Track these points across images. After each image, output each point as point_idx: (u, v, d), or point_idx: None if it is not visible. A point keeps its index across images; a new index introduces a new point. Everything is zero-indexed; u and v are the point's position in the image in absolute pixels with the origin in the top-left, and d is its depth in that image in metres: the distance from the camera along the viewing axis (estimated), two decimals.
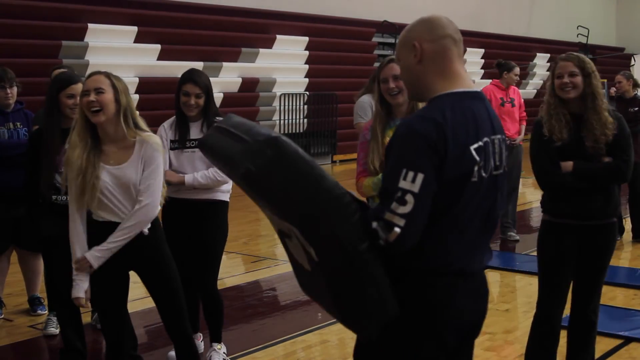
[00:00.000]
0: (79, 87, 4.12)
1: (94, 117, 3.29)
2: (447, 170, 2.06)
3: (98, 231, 3.39)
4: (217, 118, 4.32)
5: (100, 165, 3.32)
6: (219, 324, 4.40)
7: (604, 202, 3.68)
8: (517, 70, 8.12)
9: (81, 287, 3.37)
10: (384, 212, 2.04)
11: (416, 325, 2.16)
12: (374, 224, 2.05)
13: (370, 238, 2.05)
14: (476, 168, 2.10)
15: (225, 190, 4.33)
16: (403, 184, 2.02)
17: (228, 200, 4.38)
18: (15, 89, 5.06)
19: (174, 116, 4.34)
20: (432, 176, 2.04)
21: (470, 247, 2.20)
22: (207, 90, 4.31)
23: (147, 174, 3.38)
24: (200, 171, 4.19)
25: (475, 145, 2.10)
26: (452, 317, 2.17)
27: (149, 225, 3.44)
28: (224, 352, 4.39)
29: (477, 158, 2.09)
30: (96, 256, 3.36)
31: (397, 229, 2.03)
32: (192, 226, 4.27)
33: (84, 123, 3.32)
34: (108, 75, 3.37)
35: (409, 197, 2.02)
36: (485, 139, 2.14)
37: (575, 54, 3.69)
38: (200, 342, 4.50)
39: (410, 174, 2.02)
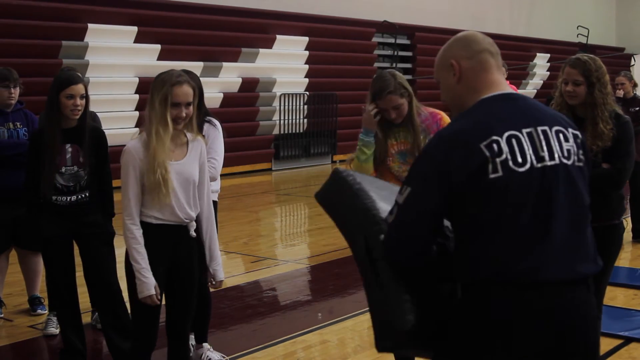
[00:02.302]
0: (79, 87, 4.12)
1: (177, 126, 3.40)
2: (455, 175, 2.03)
3: (155, 235, 3.41)
4: (208, 117, 4.33)
5: (167, 162, 3.37)
6: (207, 323, 4.41)
7: (601, 205, 3.66)
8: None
9: (150, 284, 3.36)
10: (384, 222, 2.19)
11: (468, 342, 2.07)
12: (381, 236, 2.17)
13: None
14: (490, 164, 2.02)
15: (214, 190, 4.34)
16: (397, 197, 2.13)
17: (217, 200, 4.39)
18: (18, 90, 5.09)
19: None
20: (427, 189, 2.07)
21: (526, 252, 2.02)
22: (199, 90, 4.31)
23: (202, 176, 3.52)
24: None
25: (487, 141, 2.03)
26: (505, 336, 2.02)
27: (195, 226, 3.52)
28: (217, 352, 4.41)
29: (488, 153, 2.02)
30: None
31: (381, 236, 2.14)
32: None
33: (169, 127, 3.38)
34: (193, 86, 3.45)
35: (395, 208, 2.12)
36: (511, 132, 2.06)
37: (584, 58, 3.64)
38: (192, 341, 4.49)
39: (404, 187, 2.12)
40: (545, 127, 2.12)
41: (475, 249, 2.05)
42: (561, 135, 2.14)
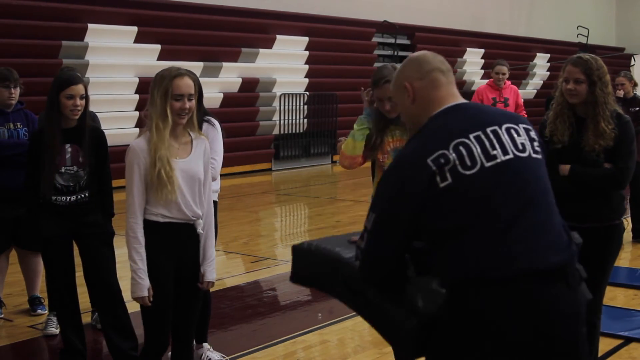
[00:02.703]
0: (79, 88, 4.12)
1: (181, 120, 3.39)
2: (412, 194, 2.15)
3: (163, 233, 3.40)
4: (207, 117, 4.34)
5: (171, 160, 3.36)
6: (207, 323, 4.41)
7: (602, 205, 3.66)
8: (498, 68, 8.15)
9: (145, 286, 3.35)
10: (356, 248, 2.37)
11: (453, 339, 2.14)
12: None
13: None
14: (438, 175, 2.12)
15: (214, 190, 4.33)
16: (365, 222, 2.29)
17: (217, 200, 4.39)
18: (18, 90, 5.09)
19: None
20: (390, 212, 2.21)
21: (496, 248, 2.08)
22: (198, 89, 4.31)
23: (206, 175, 3.52)
24: None
25: (434, 155, 2.13)
26: (486, 332, 2.08)
27: (202, 225, 3.52)
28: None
29: (434, 167, 2.12)
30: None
31: (358, 262, 2.33)
32: None
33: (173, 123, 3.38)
34: (194, 78, 3.44)
35: (365, 234, 2.28)
36: (458, 140, 2.15)
37: (585, 57, 3.64)
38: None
39: (370, 214, 2.28)
40: (495, 127, 2.21)
41: (447, 253, 2.14)
42: (512, 131, 2.22)
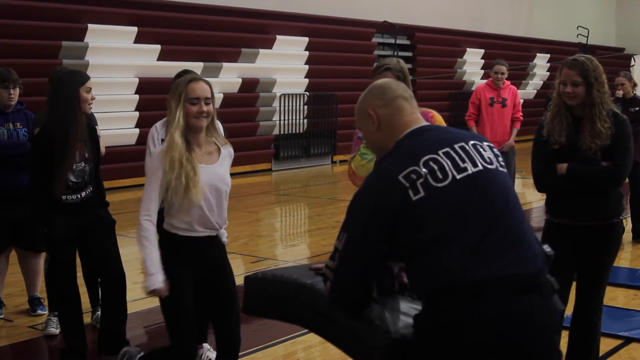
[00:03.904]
0: (90, 82, 4.24)
1: (200, 123, 3.36)
2: (385, 211, 2.17)
3: (184, 248, 3.39)
4: None
5: (194, 163, 3.33)
6: (206, 324, 4.41)
7: (601, 203, 3.68)
8: (497, 67, 8.15)
9: (158, 279, 3.31)
10: (325, 268, 2.35)
11: (429, 353, 2.14)
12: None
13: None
14: (411, 190, 2.14)
15: None
16: (336, 243, 2.29)
17: None
18: (18, 90, 5.09)
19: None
20: (362, 232, 2.21)
21: (471, 257, 2.09)
22: None
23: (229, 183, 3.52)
24: None
25: (405, 172, 2.17)
26: (460, 342, 2.07)
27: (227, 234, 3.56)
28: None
29: (406, 183, 2.15)
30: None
31: (328, 283, 2.32)
32: None
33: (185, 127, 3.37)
34: (209, 83, 3.44)
35: (336, 255, 2.27)
36: (428, 156, 2.20)
37: (581, 59, 3.66)
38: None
39: (341, 234, 2.28)
40: (462, 143, 2.26)
41: (422, 265, 2.14)
42: (479, 147, 2.28)
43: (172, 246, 3.38)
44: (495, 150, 2.35)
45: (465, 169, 2.20)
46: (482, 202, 2.17)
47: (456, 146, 2.25)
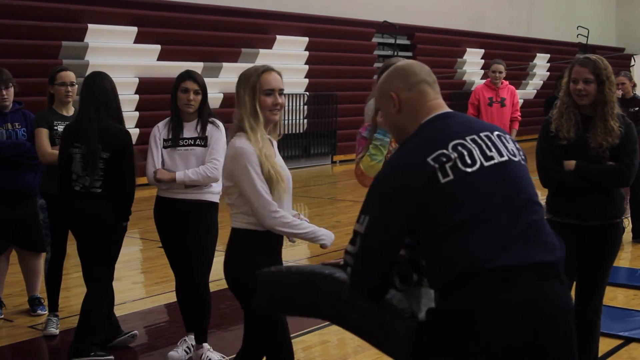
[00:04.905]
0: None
1: (274, 116, 3.20)
2: (412, 193, 2.14)
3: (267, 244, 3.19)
4: (211, 119, 4.35)
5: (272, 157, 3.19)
6: (207, 324, 4.42)
7: (606, 203, 3.69)
8: (495, 66, 8.16)
9: (327, 232, 3.23)
10: (345, 254, 2.27)
11: (453, 339, 2.11)
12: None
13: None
14: (439, 171, 2.13)
15: (216, 191, 4.35)
16: (356, 226, 2.22)
17: (218, 201, 4.40)
18: (11, 90, 5.04)
19: (169, 117, 4.38)
20: (386, 214, 2.17)
21: (499, 243, 2.10)
22: (204, 90, 4.33)
23: None
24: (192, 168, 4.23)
25: (434, 155, 2.15)
26: (488, 327, 2.06)
27: None
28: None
29: (434, 164, 2.14)
30: None
31: (349, 268, 2.25)
32: (182, 226, 4.29)
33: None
34: (280, 73, 3.26)
35: (358, 238, 2.21)
36: (456, 141, 2.19)
37: (593, 57, 3.70)
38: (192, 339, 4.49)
39: (362, 217, 2.21)
40: (487, 133, 2.26)
41: (446, 249, 2.12)
42: (503, 139, 2.28)
43: (257, 246, 3.16)
44: (517, 144, 2.34)
45: (492, 158, 2.20)
46: (509, 191, 2.18)
47: (482, 134, 2.24)
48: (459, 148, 2.18)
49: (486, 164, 2.18)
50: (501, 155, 2.22)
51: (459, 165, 2.15)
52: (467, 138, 2.21)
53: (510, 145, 2.28)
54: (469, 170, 2.15)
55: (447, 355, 2.12)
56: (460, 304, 2.09)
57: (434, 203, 2.13)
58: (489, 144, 2.23)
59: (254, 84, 3.15)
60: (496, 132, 2.28)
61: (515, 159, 2.26)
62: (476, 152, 2.18)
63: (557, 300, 2.14)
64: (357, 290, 2.27)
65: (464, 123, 2.30)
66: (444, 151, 2.16)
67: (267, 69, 3.20)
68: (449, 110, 2.34)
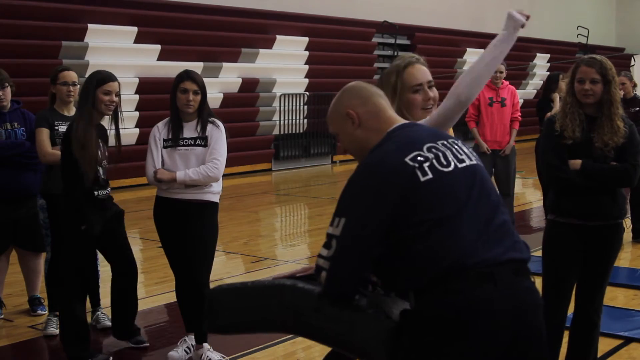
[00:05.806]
0: (116, 85, 4.34)
1: (427, 113, 2.87)
2: (391, 192, 2.14)
3: None
4: (211, 119, 4.35)
5: None
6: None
7: (610, 203, 3.70)
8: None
9: None
10: (318, 258, 2.22)
11: (435, 337, 2.11)
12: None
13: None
14: (418, 170, 2.16)
15: (216, 191, 4.36)
16: (330, 230, 2.20)
17: (218, 201, 4.40)
18: (8, 90, 5.02)
19: (168, 117, 4.38)
20: (364, 215, 2.15)
21: (475, 243, 2.13)
22: (203, 90, 4.33)
23: None
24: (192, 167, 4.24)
25: (411, 155, 2.19)
26: (459, 328, 2.08)
27: None
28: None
29: (413, 164, 2.17)
30: None
31: (323, 273, 2.19)
32: (182, 226, 4.29)
33: None
34: (426, 65, 2.98)
35: (333, 241, 2.17)
36: (429, 144, 2.24)
37: (599, 57, 3.71)
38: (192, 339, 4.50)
39: (336, 220, 2.19)
40: (452, 139, 2.34)
41: (431, 245, 2.12)
42: (461, 144, 2.35)
43: None
44: (470, 148, 2.41)
45: (463, 160, 2.27)
46: (483, 192, 2.24)
47: (449, 140, 2.32)
48: (434, 150, 2.23)
49: (460, 165, 2.24)
50: (470, 159, 2.29)
51: (436, 165, 2.20)
52: (438, 142, 2.27)
53: (468, 151, 2.34)
54: (446, 170, 2.20)
55: (432, 355, 2.11)
56: (445, 300, 2.09)
57: (414, 201, 2.14)
58: (458, 148, 2.30)
59: (394, 84, 2.79)
60: (452, 140, 2.34)
61: (480, 164, 2.34)
62: (449, 155, 2.25)
63: (533, 296, 2.22)
64: (331, 293, 2.21)
65: (430, 130, 2.38)
66: (421, 152, 2.21)
67: (410, 62, 2.82)
68: (409, 121, 2.42)
